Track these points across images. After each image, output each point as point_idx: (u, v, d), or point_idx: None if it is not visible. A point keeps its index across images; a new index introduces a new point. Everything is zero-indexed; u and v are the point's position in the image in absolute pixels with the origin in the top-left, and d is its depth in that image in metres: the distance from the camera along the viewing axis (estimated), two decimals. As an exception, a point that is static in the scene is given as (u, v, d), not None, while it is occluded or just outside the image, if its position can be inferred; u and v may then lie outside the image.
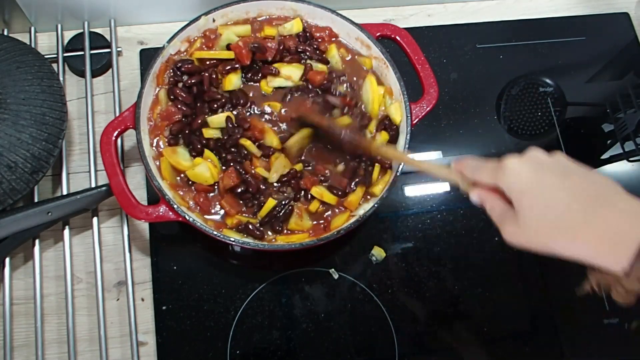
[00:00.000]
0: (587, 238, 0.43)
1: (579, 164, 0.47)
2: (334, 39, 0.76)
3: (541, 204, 0.45)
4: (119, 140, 0.72)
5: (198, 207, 0.67)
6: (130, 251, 0.72)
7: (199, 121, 0.69)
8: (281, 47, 0.73)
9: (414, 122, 0.70)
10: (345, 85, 0.74)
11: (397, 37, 0.74)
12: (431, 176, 0.58)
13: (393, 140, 0.71)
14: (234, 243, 0.64)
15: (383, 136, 0.71)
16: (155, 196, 0.75)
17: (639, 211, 0.43)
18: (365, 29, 0.74)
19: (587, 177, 0.46)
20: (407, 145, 0.68)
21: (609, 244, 0.43)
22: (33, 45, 0.80)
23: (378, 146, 0.65)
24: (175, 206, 0.64)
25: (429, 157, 0.82)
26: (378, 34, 0.75)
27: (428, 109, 0.72)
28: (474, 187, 0.51)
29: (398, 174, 0.67)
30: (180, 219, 0.64)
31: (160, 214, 0.65)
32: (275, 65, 0.73)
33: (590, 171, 0.46)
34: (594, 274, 0.47)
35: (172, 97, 0.70)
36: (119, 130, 0.67)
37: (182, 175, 0.69)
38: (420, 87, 0.73)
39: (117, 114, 0.77)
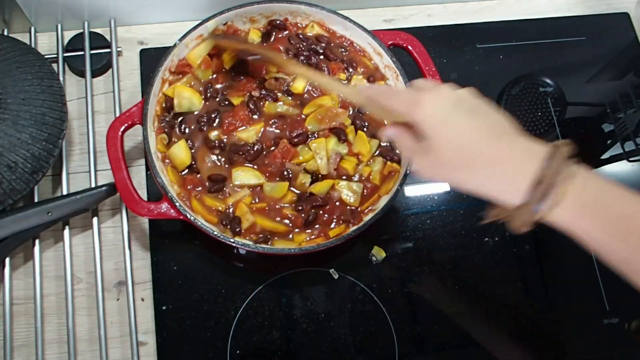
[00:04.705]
0: (489, 173, 0.47)
1: (483, 101, 0.50)
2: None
3: (454, 139, 0.48)
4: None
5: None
6: (130, 251, 0.72)
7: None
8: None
9: None
10: None
11: (409, 47, 0.74)
12: (341, 95, 0.60)
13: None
14: (234, 244, 0.64)
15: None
16: (155, 197, 0.75)
17: (532, 150, 0.47)
18: (377, 36, 0.74)
19: (491, 116, 0.49)
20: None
21: (507, 179, 0.47)
22: (33, 45, 0.80)
23: (287, 61, 0.67)
24: (177, 204, 0.64)
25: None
26: (390, 42, 0.75)
27: None
28: (389, 118, 0.53)
29: (401, 186, 0.67)
30: (182, 217, 0.65)
31: (162, 211, 0.65)
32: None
33: (493, 110, 0.50)
34: (493, 208, 0.50)
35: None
36: (126, 125, 0.68)
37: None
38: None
39: (118, 114, 0.77)
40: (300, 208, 0.68)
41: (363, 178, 0.70)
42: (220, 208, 0.67)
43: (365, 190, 0.70)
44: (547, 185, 0.44)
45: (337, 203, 0.69)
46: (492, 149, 0.47)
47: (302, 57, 0.74)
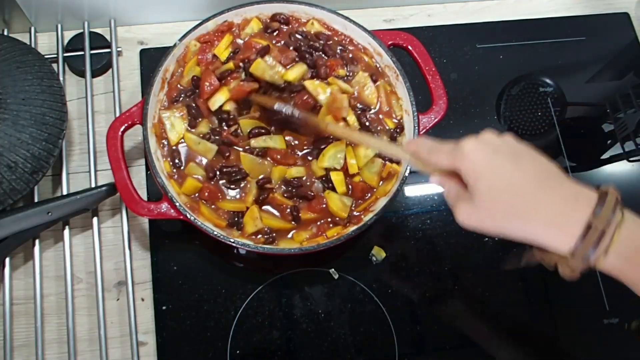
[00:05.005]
0: (537, 220, 0.46)
1: (525, 145, 0.49)
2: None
3: (496, 186, 0.47)
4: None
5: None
6: (130, 251, 0.72)
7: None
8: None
9: (422, 132, 0.70)
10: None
11: (409, 47, 0.74)
12: (384, 154, 0.60)
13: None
14: (233, 244, 0.64)
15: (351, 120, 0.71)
16: (154, 197, 0.75)
17: (580, 194, 0.46)
18: (377, 36, 0.74)
19: (535, 161, 0.48)
20: None
21: (557, 227, 0.45)
22: (33, 45, 0.80)
23: (327, 124, 0.65)
24: (177, 204, 0.64)
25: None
26: (390, 42, 0.75)
27: (436, 120, 0.72)
28: (433, 170, 0.53)
29: (400, 187, 0.67)
30: (182, 217, 0.65)
31: (162, 211, 0.65)
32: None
33: (536, 154, 0.49)
34: (540, 253, 0.49)
35: None
36: (126, 125, 0.68)
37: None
38: (423, 92, 0.73)
39: (118, 114, 0.77)
40: (287, 195, 0.68)
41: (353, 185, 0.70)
42: (239, 210, 0.68)
43: (357, 192, 0.70)
44: (598, 234, 0.44)
45: (324, 205, 0.68)
46: (539, 194, 0.46)
47: (300, 53, 0.73)
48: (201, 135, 0.70)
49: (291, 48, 0.74)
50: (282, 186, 0.69)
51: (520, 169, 0.47)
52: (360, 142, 0.66)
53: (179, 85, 0.72)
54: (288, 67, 0.71)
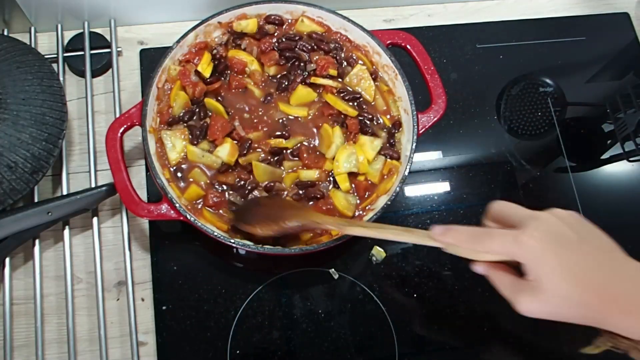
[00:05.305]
0: (610, 308, 0.44)
1: (588, 224, 0.48)
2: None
3: (564, 277, 0.45)
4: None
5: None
6: (130, 251, 0.72)
7: None
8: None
9: (421, 132, 0.70)
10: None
11: (408, 46, 0.74)
12: (411, 242, 0.54)
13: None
14: (233, 245, 0.64)
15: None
16: (154, 197, 0.75)
17: None
18: (376, 36, 0.74)
19: (598, 241, 0.47)
20: (412, 155, 0.68)
21: (629, 312, 0.44)
22: (33, 45, 0.80)
23: (339, 223, 0.60)
24: (177, 205, 0.64)
25: (429, 157, 0.82)
26: (389, 42, 0.74)
27: (435, 119, 0.71)
28: (477, 258, 0.50)
29: (401, 185, 0.67)
30: (182, 218, 0.64)
31: (162, 212, 0.65)
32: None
33: (599, 232, 0.48)
34: (611, 337, 0.47)
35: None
36: (125, 126, 0.68)
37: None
38: (422, 92, 0.73)
39: (118, 114, 0.77)
40: (296, 197, 0.68)
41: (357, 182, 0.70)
42: None
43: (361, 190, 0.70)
44: None
45: (330, 206, 0.68)
46: (606, 281, 0.45)
47: (288, 54, 0.73)
48: (204, 150, 0.69)
49: (275, 49, 0.74)
50: (294, 188, 0.69)
51: (585, 253, 0.45)
52: (384, 237, 0.56)
53: (169, 111, 0.70)
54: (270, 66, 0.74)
